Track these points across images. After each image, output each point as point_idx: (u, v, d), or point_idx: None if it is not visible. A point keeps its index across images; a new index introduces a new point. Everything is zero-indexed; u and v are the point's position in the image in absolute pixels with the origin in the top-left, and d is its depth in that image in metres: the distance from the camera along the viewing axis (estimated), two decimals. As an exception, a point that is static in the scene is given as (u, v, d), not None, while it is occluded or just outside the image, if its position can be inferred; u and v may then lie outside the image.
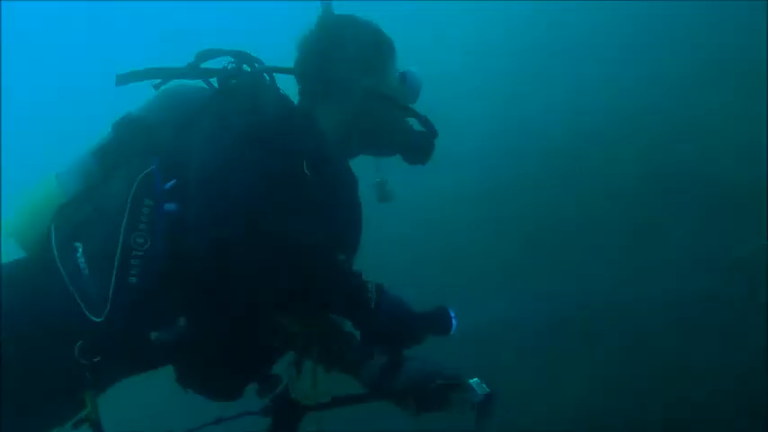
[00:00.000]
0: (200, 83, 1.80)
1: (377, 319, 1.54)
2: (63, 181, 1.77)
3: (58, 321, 1.60)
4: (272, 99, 1.72)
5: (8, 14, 8.42)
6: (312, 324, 1.64)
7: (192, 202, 1.51)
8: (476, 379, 1.58)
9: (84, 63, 8.26)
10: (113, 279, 1.54)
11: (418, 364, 1.60)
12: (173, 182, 1.59)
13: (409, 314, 1.58)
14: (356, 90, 1.82)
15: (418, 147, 1.88)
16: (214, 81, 1.76)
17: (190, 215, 1.51)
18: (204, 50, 1.80)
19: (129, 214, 1.57)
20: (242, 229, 1.44)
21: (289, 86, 1.84)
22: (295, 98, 1.87)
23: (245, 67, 1.79)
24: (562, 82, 4.91)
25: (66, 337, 1.58)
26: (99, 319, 1.55)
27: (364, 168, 1.90)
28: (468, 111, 5.11)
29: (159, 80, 1.78)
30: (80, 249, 1.62)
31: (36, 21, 8.80)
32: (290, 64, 1.89)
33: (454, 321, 1.61)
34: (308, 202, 1.60)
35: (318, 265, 1.55)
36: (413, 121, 1.89)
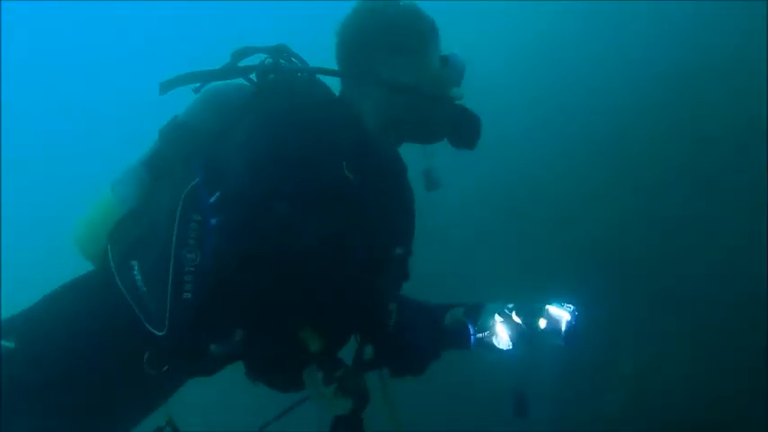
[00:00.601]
0: (240, 81, 1.79)
1: (392, 339, 1.60)
2: (119, 192, 1.79)
3: (126, 334, 1.64)
4: (307, 99, 1.68)
5: (8, 14, 8.42)
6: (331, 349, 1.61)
7: (226, 216, 1.53)
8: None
9: (85, 64, 8.27)
10: (169, 296, 1.56)
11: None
12: (217, 194, 1.58)
13: (425, 334, 1.64)
14: (388, 78, 1.77)
15: (462, 132, 1.81)
16: (253, 77, 1.77)
17: (225, 228, 1.52)
18: (240, 48, 1.79)
19: (178, 230, 1.59)
20: (268, 245, 1.47)
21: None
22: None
23: (281, 61, 1.78)
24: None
25: (134, 349, 1.63)
26: (161, 333, 1.57)
27: (412, 154, 1.89)
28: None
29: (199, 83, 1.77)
30: (136, 267, 1.65)
31: (36, 20, 8.80)
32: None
33: (473, 337, 1.68)
34: (348, 207, 1.59)
35: (347, 287, 1.56)
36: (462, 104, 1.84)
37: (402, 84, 1.75)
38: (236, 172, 1.56)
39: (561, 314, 1.61)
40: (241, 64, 1.78)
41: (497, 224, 4.68)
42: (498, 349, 1.71)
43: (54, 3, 8.67)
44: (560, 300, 1.65)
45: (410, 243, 1.83)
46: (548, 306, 1.65)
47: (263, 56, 1.80)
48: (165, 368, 1.64)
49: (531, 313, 1.69)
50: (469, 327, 1.71)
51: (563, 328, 1.61)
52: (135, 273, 1.64)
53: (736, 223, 3.40)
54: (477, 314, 1.79)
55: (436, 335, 1.72)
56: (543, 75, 5.32)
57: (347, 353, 1.68)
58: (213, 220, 1.55)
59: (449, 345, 1.75)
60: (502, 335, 1.70)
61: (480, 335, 1.73)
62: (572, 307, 1.63)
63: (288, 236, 1.50)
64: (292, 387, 1.64)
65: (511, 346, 1.68)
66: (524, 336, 1.69)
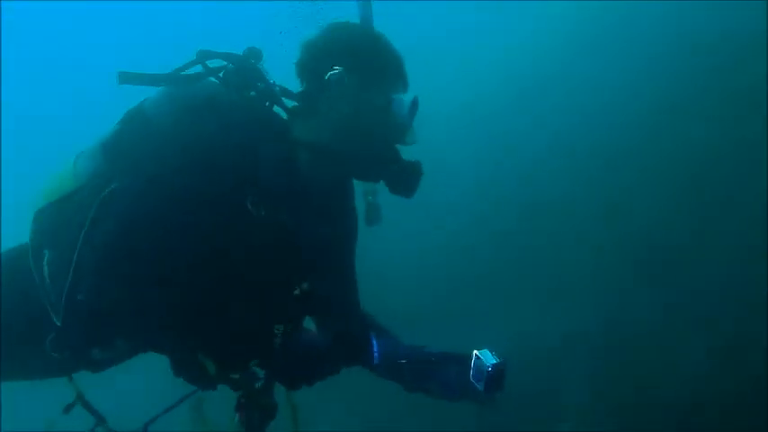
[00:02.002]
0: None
1: (279, 361, 1.60)
2: (78, 166, 1.78)
3: (38, 311, 1.67)
4: (241, 120, 1.62)
5: (8, 14, 8.42)
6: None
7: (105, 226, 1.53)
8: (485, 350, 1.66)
9: (84, 62, 8.26)
10: (65, 294, 1.59)
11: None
12: (112, 187, 1.59)
13: (315, 354, 1.62)
14: (332, 97, 1.68)
15: (397, 178, 1.71)
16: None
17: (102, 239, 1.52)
18: (205, 51, 1.74)
19: (85, 233, 1.57)
20: (140, 270, 1.48)
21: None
22: None
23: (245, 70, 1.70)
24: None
25: (42, 328, 1.67)
26: (59, 324, 1.63)
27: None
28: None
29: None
30: (45, 257, 1.68)
31: (36, 21, 8.79)
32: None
33: (376, 354, 1.70)
34: (239, 235, 1.58)
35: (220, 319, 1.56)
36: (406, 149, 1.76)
37: (340, 111, 1.68)
38: (125, 185, 1.57)
39: (486, 362, 1.65)
40: (211, 64, 1.73)
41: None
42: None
43: (54, 3, 8.67)
44: (489, 348, 1.69)
45: (326, 277, 1.80)
46: (476, 352, 1.68)
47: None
48: (66, 354, 1.68)
49: (458, 360, 1.75)
50: (374, 342, 1.74)
51: (485, 376, 1.65)
52: (44, 263, 1.67)
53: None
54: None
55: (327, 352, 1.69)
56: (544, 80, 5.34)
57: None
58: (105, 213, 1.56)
59: (343, 363, 1.72)
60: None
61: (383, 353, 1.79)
62: (497, 357, 1.66)
63: (171, 240, 1.50)
64: (201, 385, 1.67)
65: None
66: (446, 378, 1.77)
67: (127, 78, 1.66)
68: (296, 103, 1.75)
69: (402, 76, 1.74)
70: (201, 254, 1.55)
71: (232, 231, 1.58)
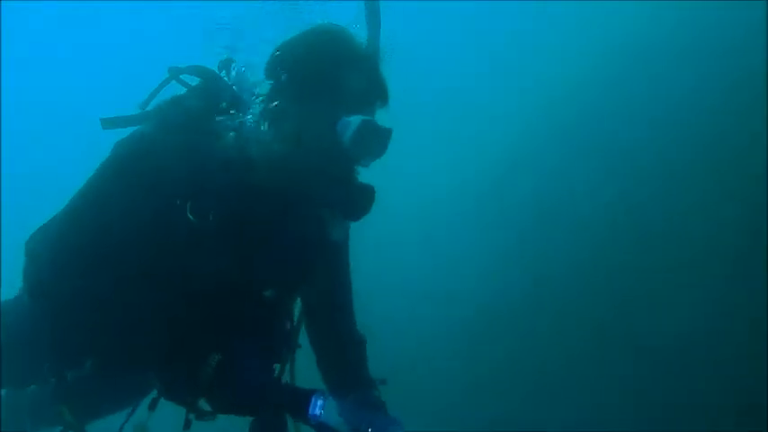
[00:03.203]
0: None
1: (215, 395, 1.58)
2: None
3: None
4: (164, 137, 1.61)
5: (8, 14, 8.42)
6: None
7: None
8: None
9: (85, 64, 8.27)
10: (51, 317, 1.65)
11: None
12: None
13: (255, 391, 1.58)
14: (284, 119, 1.62)
15: (346, 201, 1.63)
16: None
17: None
18: (172, 68, 1.77)
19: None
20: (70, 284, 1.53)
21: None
22: None
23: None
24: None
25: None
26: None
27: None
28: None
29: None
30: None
31: (36, 20, 8.80)
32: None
33: (318, 411, 1.57)
34: (186, 245, 1.57)
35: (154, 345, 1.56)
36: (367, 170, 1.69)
37: (287, 123, 1.62)
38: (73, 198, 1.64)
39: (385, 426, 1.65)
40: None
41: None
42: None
43: (54, 3, 8.67)
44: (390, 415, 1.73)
45: (291, 289, 1.79)
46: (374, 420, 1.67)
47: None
48: (55, 379, 1.74)
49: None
50: (318, 402, 1.61)
51: None
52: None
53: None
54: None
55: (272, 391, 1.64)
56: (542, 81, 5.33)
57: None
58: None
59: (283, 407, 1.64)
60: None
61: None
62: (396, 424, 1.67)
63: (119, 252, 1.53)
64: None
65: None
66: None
67: (109, 124, 1.70)
68: (263, 106, 1.68)
69: (358, 95, 1.62)
70: (139, 268, 1.55)
71: (171, 242, 1.56)
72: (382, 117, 1.71)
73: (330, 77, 1.61)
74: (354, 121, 1.57)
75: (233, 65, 1.75)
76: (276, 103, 1.63)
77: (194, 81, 1.77)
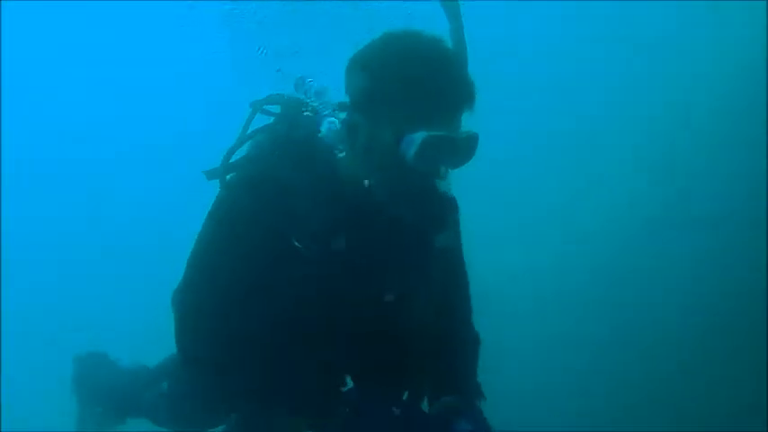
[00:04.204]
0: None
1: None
2: None
3: None
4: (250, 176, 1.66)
5: (8, 14, 8.42)
6: None
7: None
8: None
9: (85, 64, 8.26)
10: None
11: None
12: None
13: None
14: (356, 139, 1.60)
15: (424, 211, 1.63)
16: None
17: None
18: (254, 102, 1.84)
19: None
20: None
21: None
22: None
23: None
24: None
25: None
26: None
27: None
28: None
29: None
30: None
31: (37, 20, 8.79)
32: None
33: None
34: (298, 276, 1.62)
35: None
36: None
37: (358, 143, 1.60)
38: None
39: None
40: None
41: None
42: None
43: (54, 3, 8.66)
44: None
45: (405, 297, 1.78)
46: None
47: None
48: None
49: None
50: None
51: None
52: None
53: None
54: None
55: None
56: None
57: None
58: None
59: None
60: None
61: None
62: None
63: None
64: None
65: None
66: None
67: (213, 175, 1.74)
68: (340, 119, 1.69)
69: (423, 110, 1.53)
70: (270, 308, 1.64)
71: (286, 274, 1.62)
72: (468, 121, 1.63)
73: (397, 91, 1.54)
74: (417, 138, 1.51)
75: (308, 81, 1.78)
76: (345, 116, 1.64)
77: (276, 108, 1.85)
